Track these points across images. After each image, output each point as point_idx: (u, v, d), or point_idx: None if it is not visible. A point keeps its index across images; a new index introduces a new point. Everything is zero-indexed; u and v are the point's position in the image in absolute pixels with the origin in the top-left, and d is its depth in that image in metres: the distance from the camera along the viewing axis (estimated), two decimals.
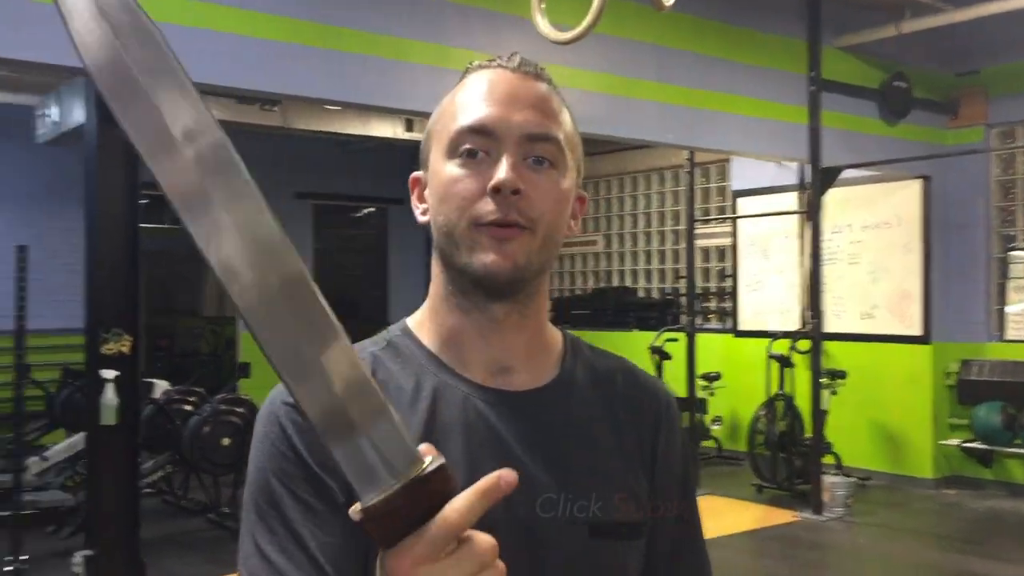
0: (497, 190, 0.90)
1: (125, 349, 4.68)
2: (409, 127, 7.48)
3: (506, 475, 0.66)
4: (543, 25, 2.55)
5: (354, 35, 4.79)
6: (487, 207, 0.91)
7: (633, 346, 9.15)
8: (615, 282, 10.89)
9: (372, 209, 11.58)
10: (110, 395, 4.72)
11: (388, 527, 0.63)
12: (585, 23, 2.52)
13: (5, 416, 7.25)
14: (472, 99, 0.96)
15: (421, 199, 1.01)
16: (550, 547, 0.92)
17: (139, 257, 4.84)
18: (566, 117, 0.99)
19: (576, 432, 0.99)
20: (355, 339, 1.04)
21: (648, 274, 10.68)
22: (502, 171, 0.91)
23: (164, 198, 0.62)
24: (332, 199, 11.03)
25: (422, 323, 1.01)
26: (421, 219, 1.00)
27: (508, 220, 0.91)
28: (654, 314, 9.90)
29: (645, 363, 8.56)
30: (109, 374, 4.71)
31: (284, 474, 0.88)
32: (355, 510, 0.63)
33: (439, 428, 0.93)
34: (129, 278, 4.83)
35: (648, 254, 10.67)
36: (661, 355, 8.40)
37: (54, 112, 7.70)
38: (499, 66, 0.99)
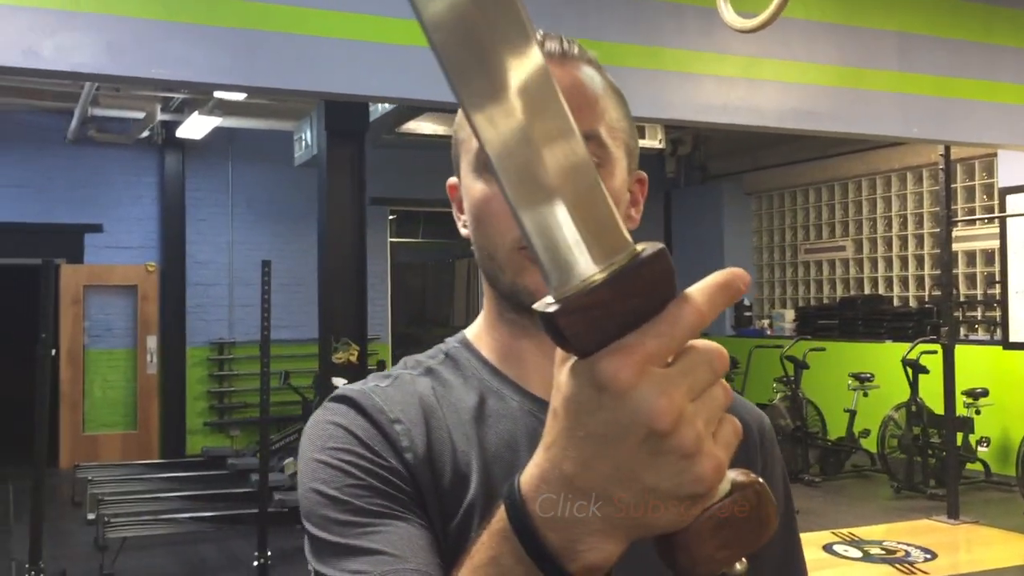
0: None
1: (353, 358, 4.91)
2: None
3: (741, 273, 0.49)
4: (727, 13, 2.38)
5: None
6: None
7: (885, 358, 8.56)
8: (866, 290, 10.20)
9: None
10: None
11: (592, 325, 0.47)
12: (772, 7, 2.33)
13: (254, 420, 7.84)
14: None
15: (461, 210, 0.91)
16: None
17: (366, 270, 5.05)
18: (607, 102, 0.85)
19: None
20: None
21: (904, 281, 9.90)
22: None
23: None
24: None
25: (480, 335, 0.93)
26: (463, 232, 0.91)
27: None
28: (910, 324, 9.15)
29: (898, 376, 7.95)
30: (339, 382, 4.95)
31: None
32: (545, 303, 0.48)
33: (508, 444, 0.85)
34: (357, 289, 5.06)
35: (904, 259, 9.90)
36: (916, 368, 7.77)
37: (307, 136, 8.29)
38: None
